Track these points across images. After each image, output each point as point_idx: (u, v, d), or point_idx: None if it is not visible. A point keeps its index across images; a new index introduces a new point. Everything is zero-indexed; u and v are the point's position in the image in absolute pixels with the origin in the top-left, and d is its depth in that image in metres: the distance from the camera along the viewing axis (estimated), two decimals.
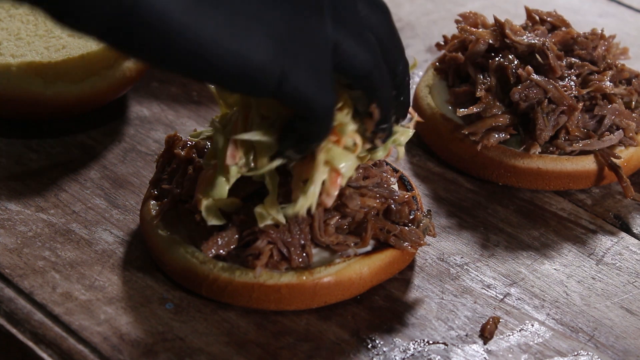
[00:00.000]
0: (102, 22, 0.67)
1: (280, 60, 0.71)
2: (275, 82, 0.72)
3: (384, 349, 0.82)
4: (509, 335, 0.84)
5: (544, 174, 0.98)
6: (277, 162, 0.80)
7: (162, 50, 0.69)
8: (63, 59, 1.00)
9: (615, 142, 0.99)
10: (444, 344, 0.83)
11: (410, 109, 0.84)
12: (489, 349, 0.83)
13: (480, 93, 0.99)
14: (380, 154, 0.83)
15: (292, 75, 0.72)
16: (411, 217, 0.87)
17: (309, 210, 0.83)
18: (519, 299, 0.88)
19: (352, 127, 0.80)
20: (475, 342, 0.83)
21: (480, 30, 1.03)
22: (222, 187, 0.82)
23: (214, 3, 0.69)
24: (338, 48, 0.75)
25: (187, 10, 0.68)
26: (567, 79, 0.99)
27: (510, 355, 0.82)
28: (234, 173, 0.81)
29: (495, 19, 1.02)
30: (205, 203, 0.83)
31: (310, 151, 0.79)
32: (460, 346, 0.83)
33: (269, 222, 0.82)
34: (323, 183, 0.80)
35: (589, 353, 0.83)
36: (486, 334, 0.84)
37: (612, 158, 0.98)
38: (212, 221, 0.83)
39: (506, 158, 0.99)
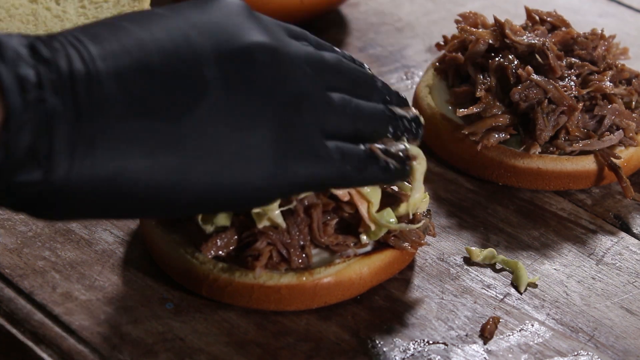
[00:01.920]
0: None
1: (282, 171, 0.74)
2: (280, 194, 0.76)
3: (384, 349, 0.82)
4: (509, 335, 0.84)
5: (544, 174, 0.98)
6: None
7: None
8: None
9: (615, 142, 0.99)
10: (444, 344, 0.83)
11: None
12: (489, 349, 0.83)
13: (480, 93, 0.99)
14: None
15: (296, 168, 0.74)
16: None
17: (308, 211, 0.83)
18: (519, 299, 0.88)
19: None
20: (475, 342, 0.83)
21: (480, 30, 1.03)
22: (225, 217, 0.82)
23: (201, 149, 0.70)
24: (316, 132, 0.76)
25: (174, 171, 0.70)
26: (567, 79, 0.99)
27: (510, 355, 0.82)
28: None
29: (495, 19, 1.02)
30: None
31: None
32: (460, 346, 0.83)
33: (266, 223, 0.82)
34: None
35: (589, 353, 0.83)
36: (486, 334, 0.84)
37: (612, 158, 0.98)
38: (210, 229, 0.83)
39: (506, 158, 0.99)
